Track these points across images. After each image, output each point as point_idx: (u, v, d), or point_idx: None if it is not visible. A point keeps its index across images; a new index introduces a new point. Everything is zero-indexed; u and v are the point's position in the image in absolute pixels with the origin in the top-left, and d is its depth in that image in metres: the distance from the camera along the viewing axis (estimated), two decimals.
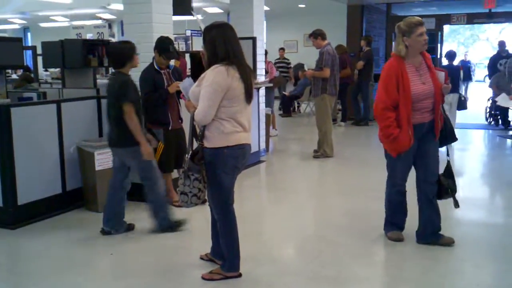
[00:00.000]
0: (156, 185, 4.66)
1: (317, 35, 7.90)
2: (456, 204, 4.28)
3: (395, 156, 4.22)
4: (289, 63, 14.04)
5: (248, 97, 3.52)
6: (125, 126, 4.40)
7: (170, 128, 5.36)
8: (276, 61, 14.04)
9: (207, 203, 3.80)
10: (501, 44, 11.94)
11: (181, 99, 5.38)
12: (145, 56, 5.56)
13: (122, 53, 4.53)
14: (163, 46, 5.23)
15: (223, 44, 3.42)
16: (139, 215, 5.29)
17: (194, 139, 3.60)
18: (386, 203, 4.52)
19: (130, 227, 4.85)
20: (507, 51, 11.69)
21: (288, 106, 13.79)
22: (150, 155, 4.51)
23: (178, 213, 5.29)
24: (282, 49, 14.31)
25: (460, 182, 5.05)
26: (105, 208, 4.75)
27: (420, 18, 4.11)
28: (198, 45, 11.22)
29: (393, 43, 4.27)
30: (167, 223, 4.73)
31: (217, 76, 3.37)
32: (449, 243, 4.26)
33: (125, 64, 4.52)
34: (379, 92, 4.16)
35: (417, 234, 4.37)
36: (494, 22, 12.26)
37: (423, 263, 4.02)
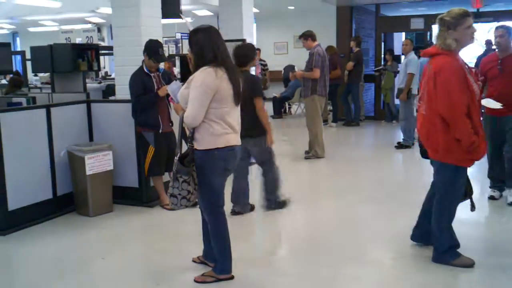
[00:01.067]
0: (273, 168, 5.38)
1: (307, 36, 7.92)
2: (473, 207, 4.04)
3: (471, 165, 3.77)
4: (265, 65, 13.93)
5: (237, 98, 3.54)
6: (255, 118, 5.02)
7: (160, 131, 5.36)
8: None
9: (198, 206, 3.80)
10: (488, 43, 12.02)
11: (170, 102, 5.38)
12: (134, 59, 5.56)
13: (246, 54, 5.17)
14: (153, 49, 5.23)
15: (210, 47, 3.43)
16: (129, 218, 5.28)
17: (183, 141, 3.61)
18: (445, 225, 3.91)
19: (252, 208, 5.43)
20: (494, 50, 11.76)
21: (279, 108, 13.80)
22: (273, 143, 5.26)
23: (169, 215, 5.30)
24: (257, 49, 14.11)
25: None
26: (234, 192, 5.29)
27: (466, 9, 3.72)
28: (188, 48, 11.16)
29: (434, 39, 3.80)
30: (278, 203, 5.41)
31: (206, 77, 3.38)
32: None
33: (248, 63, 5.18)
34: (453, 96, 3.58)
35: (422, 235, 4.21)
36: (482, 22, 12.28)
37: (416, 262, 4.03)
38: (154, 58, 5.23)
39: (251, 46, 5.42)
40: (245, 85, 4.64)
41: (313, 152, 8.06)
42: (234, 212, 5.24)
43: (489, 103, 5.04)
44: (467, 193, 4.00)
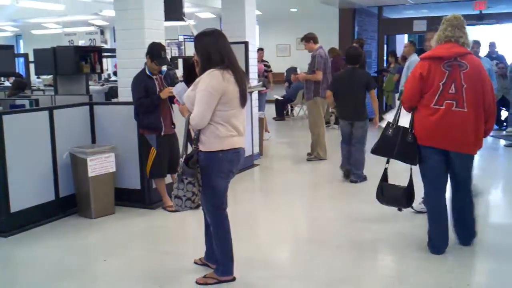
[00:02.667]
0: (363, 149, 6.49)
1: (309, 39, 7.93)
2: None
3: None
4: (268, 66, 13.84)
5: (243, 101, 3.54)
6: (363, 105, 6.38)
7: (162, 133, 5.36)
8: None
9: (200, 208, 3.81)
10: (491, 45, 12.00)
11: (174, 104, 5.39)
12: (137, 61, 5.57)
13: (358, 54, 6.46)
14: (155, 52, 5.24)
15: (217, 50, 3.44)
16: (131, 220, 5.29)
17: (188, 143, 3.61)
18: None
19: (365, 178, 6.56)
20: (496, 52, 11.74)
21: (281, 110, 13.80)
22: (378, 125, 6.17)
23: (171, 217, 5.31)
24: (260, 49, 13.84)
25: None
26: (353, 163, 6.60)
27: None
28: (191, 50, 11.19)
29: (465, 38, 4.23)
30: (363, 177, 6.57)
31: (212, 80, 3.39)
32: None
33: (359, 61, 6.48)
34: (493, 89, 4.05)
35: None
36: (485, 24, 12.29)
37: (416, 264, 4.04)
38: (157, 61, 5.25)
39: (360, 49, 6.70)
40: (361, 79, 6.41)
41: (315, 154, 8.07)
42: (346, 176, 6.65)
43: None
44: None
